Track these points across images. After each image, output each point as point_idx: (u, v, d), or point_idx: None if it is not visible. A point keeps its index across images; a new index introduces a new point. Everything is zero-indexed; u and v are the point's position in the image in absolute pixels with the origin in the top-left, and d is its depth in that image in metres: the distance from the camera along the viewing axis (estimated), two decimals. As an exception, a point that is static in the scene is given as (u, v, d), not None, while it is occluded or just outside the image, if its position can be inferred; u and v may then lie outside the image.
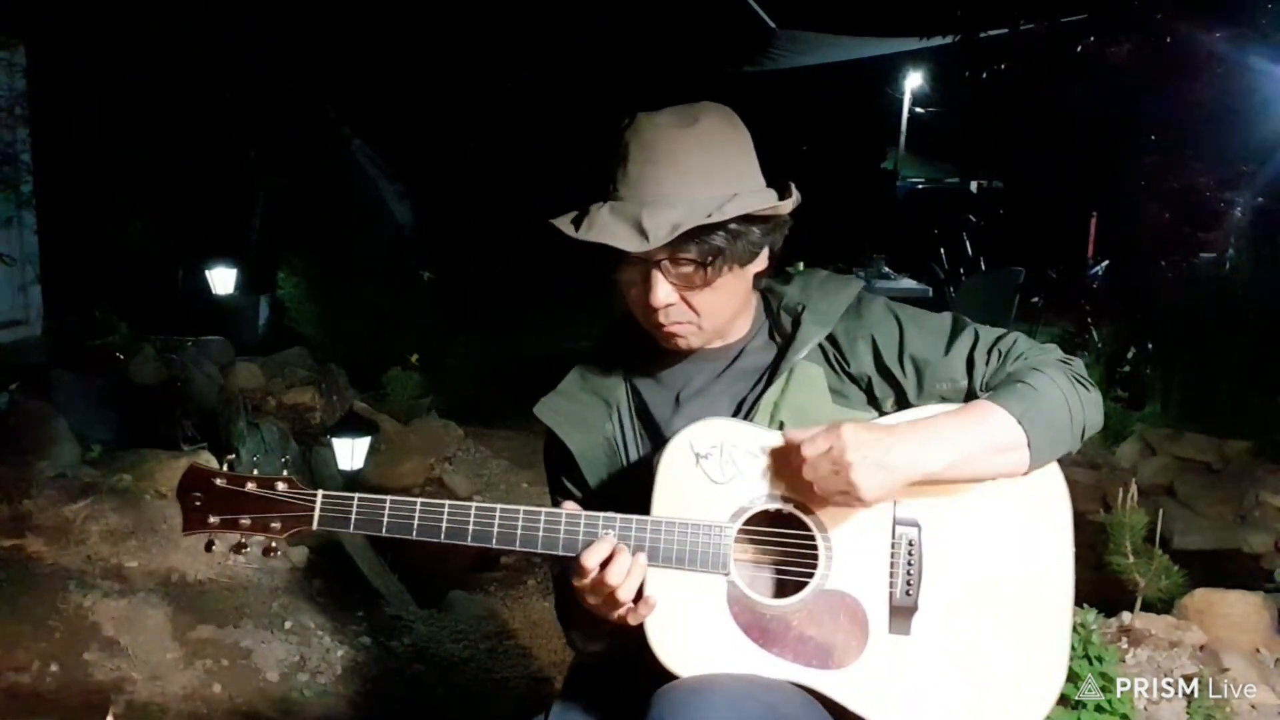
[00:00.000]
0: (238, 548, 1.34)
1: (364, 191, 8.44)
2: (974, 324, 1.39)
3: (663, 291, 1.30)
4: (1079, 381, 1.32)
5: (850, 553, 1.29)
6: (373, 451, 4.66)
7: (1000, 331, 1.38)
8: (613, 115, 1.36)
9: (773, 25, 9.10)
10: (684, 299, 1.32)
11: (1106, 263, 9.38)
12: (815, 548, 1.29)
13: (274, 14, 7.09)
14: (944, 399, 1.36)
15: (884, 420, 1.33)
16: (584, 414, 1.45)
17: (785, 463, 1.29)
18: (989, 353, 1.34)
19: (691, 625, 1.28)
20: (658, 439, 1.41)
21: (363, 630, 3.27)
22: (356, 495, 1.32)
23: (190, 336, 5.97)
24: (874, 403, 1.39)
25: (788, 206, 1.32)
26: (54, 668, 2.70)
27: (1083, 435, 1.31)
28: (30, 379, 4.45)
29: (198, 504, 1.33)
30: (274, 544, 1.34)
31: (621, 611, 1.26)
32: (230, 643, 2.97)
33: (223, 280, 7.21)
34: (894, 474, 1.22)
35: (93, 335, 5.42)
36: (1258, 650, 2.99)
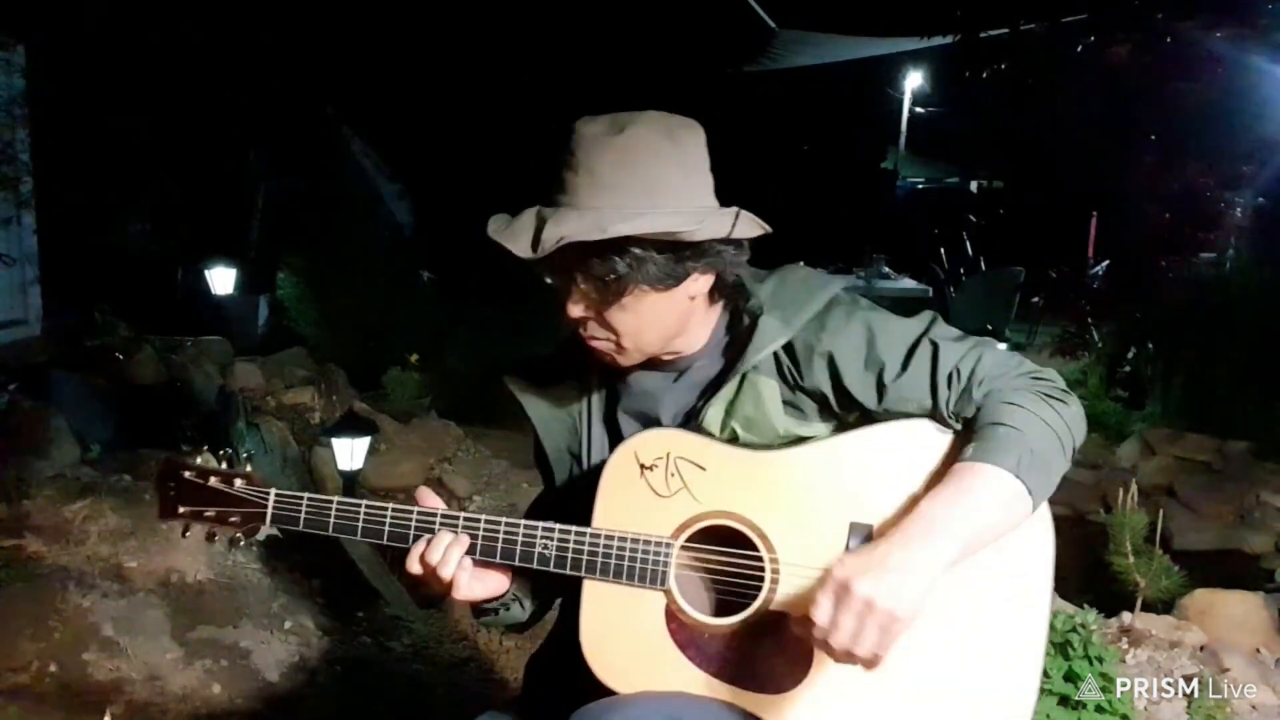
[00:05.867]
0: (209, 536, 1.40)
1: (364, 191, 8.43)
2: (940, 333, 1.29)
3: (570, 307, 1.28)
4: (1057, 399, 1.23)
5: (798, 573, 1.23)
6: (372, 452, 4.64)
7: (963, 348, 1.27)
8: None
9: (773, 25, 9.12)
10: (600, 316, 1.28)
11: (1106, 263, 9.37)
12: (762, 566, 1.24)
13: (274, 14, 7.09)
14: (909, 416, 1.28)
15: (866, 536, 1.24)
16: (552, 388, 1.44)
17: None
18: (951, 376, 1.25)
19: (627, 640, 1.25)
20: (615, 438, 1.39)
21: (363, 630, 3.27)
22: (306, 495, 1.36)
23: (190, 336, 5.96)
24: (829, 414, 1.32)
25: (700, 235, 1.21)
26: (54, 668, 2.70)
27: (1074, 452, 1.24)
28: (30, 379, 4.44)
29: (171, 493, 1.39)
30: (238, 536, 1.39)
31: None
32: (230, 643, 2.96)
33: (222, 280, 7.22)
34: (919, 578, 1.11)
35: (93, 335, 5.41)
36: (1258, 650, 2.99)
